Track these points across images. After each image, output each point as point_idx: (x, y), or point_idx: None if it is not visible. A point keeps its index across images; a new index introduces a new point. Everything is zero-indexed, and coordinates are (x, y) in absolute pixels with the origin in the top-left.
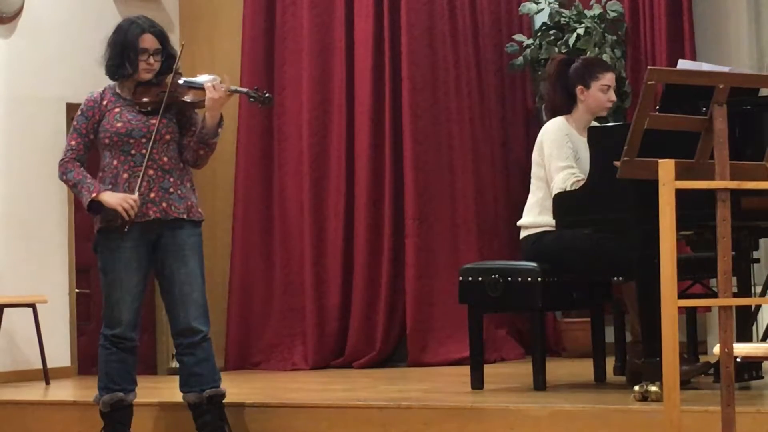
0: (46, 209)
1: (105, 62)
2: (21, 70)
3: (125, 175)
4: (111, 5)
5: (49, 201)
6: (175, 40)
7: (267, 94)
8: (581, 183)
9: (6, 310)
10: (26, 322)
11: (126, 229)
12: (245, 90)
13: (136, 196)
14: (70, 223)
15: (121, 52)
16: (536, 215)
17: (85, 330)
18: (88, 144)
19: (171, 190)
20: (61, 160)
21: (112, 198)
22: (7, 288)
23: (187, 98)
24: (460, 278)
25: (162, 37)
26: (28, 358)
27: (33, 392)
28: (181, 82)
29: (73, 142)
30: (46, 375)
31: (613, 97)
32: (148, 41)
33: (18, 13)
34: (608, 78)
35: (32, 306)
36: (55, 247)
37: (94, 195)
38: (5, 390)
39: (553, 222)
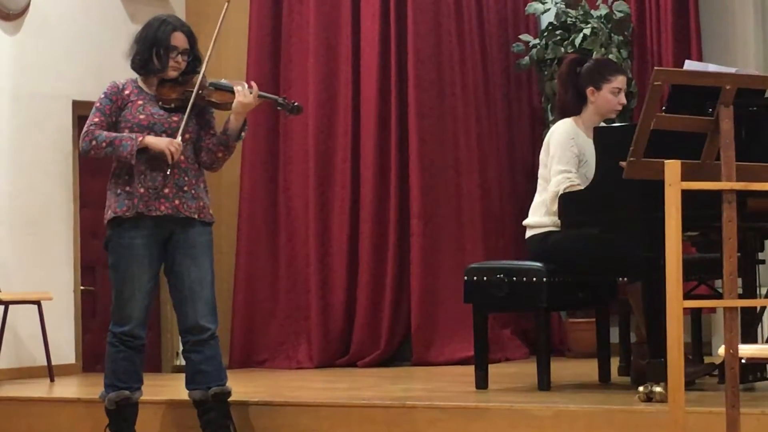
0: (52, 206)
1: (132, 56)
2: (27, 67)
3: (142, 167)
4: (117, 3)
5: (55, 198)
6: None
7: (295, 103)
8: (575, 189)
9: (11, 307)
10: (31, 319)
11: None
12: (274, 97)
13: (179, 140)
14: (76, 220)
15: (151, 48)
16: (542, 215)
17: (90, 327)
18: (111, 125)
19: (185, 188)
20: (84, 132)
21: (158, 141)
22: (12, 285)
23: (214, 99)
24: (465, 278)
25: (192, 37)
26: (33, 355)
27: (38, 389)
28: (207, 83)
29: (96, 119)
30: (51, 372)
31: (624, 100)
32: (179, 39)
33: (24, 10)
34: (620, 81)
35: (37, 303)
36: (60, 244)
37: (140, 140)
38: (10, 387)
39: (558, 222)
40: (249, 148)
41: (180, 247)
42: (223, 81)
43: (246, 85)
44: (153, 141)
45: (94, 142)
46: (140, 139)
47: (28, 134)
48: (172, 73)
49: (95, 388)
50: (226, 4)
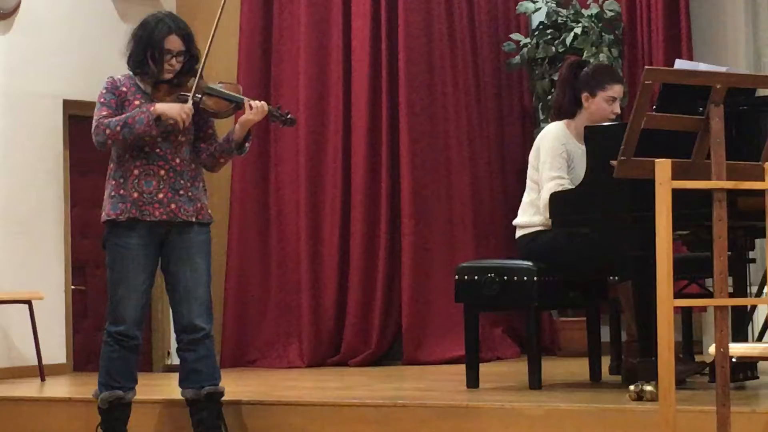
0: (42, 206)
1: (127, 54)
2: (18, 66)
3: (136, 171)
4: (108, 3)
5: (45, 198)
6: None
7: (290, 115)
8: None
9: (2, 307)
10: (22, 319)
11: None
12: (268, 106)
13: (190, 104)
14: (67, 219)
15: (145, 50)
16: (531, 215)
17: (80, 327)
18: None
19: (181, 192)
20: (95, 126)
21: (170, 109)
22: (3, 284)
23: (209, 107)
24: (456, 277)
25: (187, 38)
26: (23, 354)
27: (28, 389)
28: (204, 87)
29: (104, 112)
30: (42, 371)
31: (617, 110)
32: (174, 43)
33: (15, 9)
34: (616, 90)
35: (28, 303)
36: (51, 243)
37: (152, 110)
38: (1, 386)
39: (548, 222)
40: None
41: (176, 246)
42: (218, 86)
43: (243, 93)
44: (165, 108)
45: (108, 130)
46: (152, 108)
47: (18, 133)
48: (167, 76)
49: (86, 387)
50: (223, 1)
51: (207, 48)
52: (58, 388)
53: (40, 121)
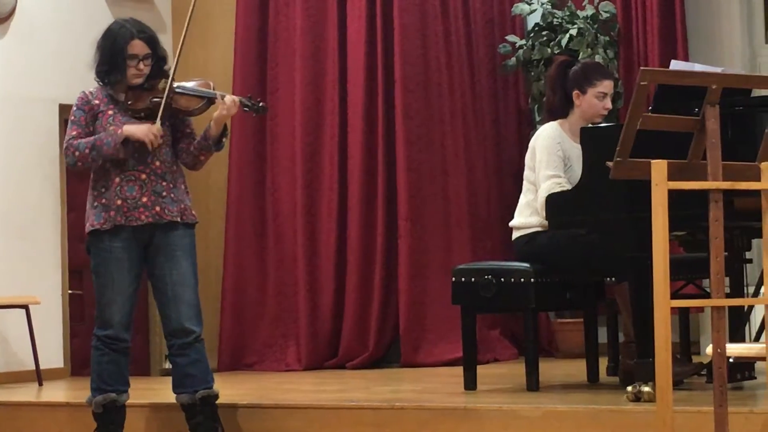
0: (39, 210)
1: (95, 66)
2: (13, 70)
3: (117, 179)
4: (104, 6)
5: (42, 202)
6: (167, 41)
7: (261, 103)
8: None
9: None
10: (19, 324)
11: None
12: (239, 98)
13: (158, 125)
14: (63, 224)
15: (110, 58)
16: (527, 216)
17: (78, 331)
18: (89, 135)
19: (164, 193)
20: (65, 148)
21: (137, 130)
22: None
23: (182, 106)
24: (453, 279)
25: (151, 41)
26: (21, 359)
27: (26, 393)
28: (175, 87)
29: (74, 132)
30: (39, 376)
31: (609, 105)
32: (137, 47)
33: (11, 13)
34: (606, 85)
35: (25, 307)
36: (48, 248)
37: (119, 132)
38: None
39: (544, 223)
40: (236, 151)
41: (161, 250)
42: (190, 84)
43: (215, 87)
44: (132, 130)
45: (77, 153)
46: (119, 132)
47: (14, 138)
48: (136, 80)
49: (84, 392)
50: (193, 1)
51: (179, 49)
52: (56, 392)
53: (36, 126)
